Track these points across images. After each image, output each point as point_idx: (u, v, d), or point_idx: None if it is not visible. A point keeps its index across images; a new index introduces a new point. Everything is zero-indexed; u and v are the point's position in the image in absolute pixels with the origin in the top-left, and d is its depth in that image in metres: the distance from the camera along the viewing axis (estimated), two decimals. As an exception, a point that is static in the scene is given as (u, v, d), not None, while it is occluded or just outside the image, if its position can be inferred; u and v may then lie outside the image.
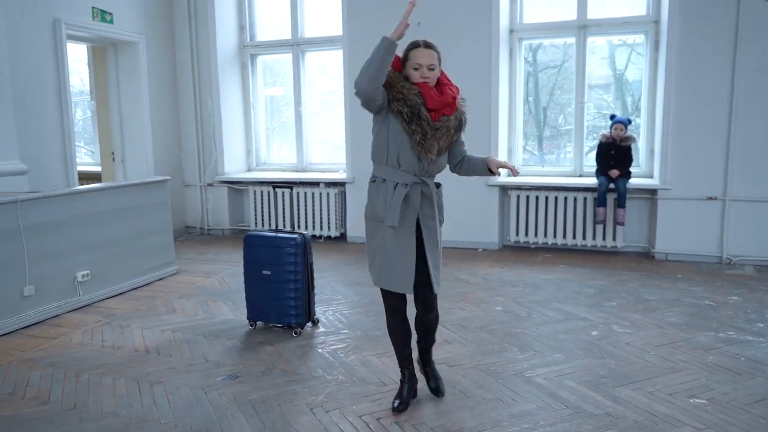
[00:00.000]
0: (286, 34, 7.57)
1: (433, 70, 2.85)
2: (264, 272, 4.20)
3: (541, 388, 3.34)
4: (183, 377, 3.56)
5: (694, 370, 3.54)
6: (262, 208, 7.52)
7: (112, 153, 7.26)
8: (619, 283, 5.32)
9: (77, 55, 8.25)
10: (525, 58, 6.89)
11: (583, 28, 6.48)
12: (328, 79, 7.76)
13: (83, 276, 4.89)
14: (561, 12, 6.65)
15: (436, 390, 3.24)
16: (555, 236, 6.57)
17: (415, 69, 2.83)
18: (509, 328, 4.27)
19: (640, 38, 6.51)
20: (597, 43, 6.71)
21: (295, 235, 4.19)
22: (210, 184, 7.74)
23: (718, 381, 3.39)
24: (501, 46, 6.51)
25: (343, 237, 7.34)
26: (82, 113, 9.07)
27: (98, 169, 7.59)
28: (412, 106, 2.80)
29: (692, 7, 5.76)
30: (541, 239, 6.62)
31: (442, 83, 2.93)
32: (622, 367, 3.59)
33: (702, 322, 4.33)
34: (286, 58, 7.68)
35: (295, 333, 4.19)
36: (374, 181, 3.01)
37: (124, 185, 5.51)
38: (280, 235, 4.21)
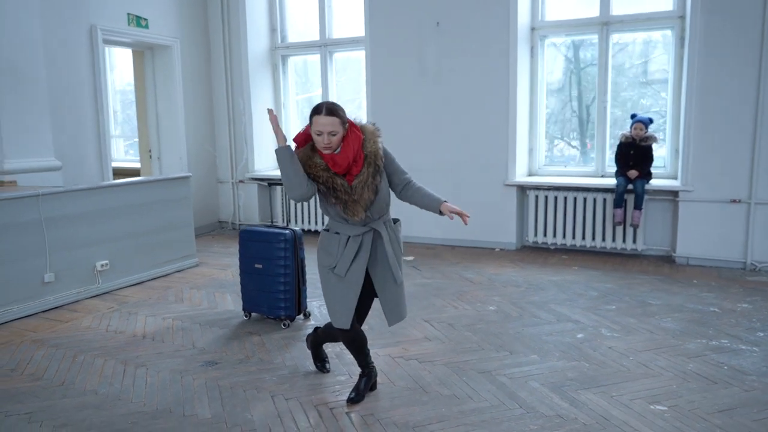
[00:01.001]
0: (316, 35, 7.76)
1: (334, 135, 2.87)
2: (256, 266, 4.38)
3: (502, 387, 3.35)
4: (167, 361, 3.79)
5: (669, 377, 3.46)
6: (289, 204, 7.75)
7: (150, 150, 7.67)
8: (627, 287, 5.19)
9: (128, 58, 8.75)
10: (565, 56, 6.75)
11: (605, 24, 6.33)
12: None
13: (102, 265, 5.24)
14: (584, 9, 6.52)
15: (352, 397, 3.26)
16: (574, 237, 6.46)
17: (318, 135, 2.89)
18: (495, 328, 4.27)
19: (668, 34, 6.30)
20: (654, 37, 6.44)
21: (287, 231, 4.35)
22: (241, 181, 8.05)
23: (689, 389, 3.30)
24: (520, 44, 6.46)
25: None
26: (122, 113, 9.62)
27: (138, 165, 8.03)
28: (325, 182, 2.94)
29: (716, 1, 5.53)
30: (560, 240, 6.53)
31: (345, 139, 2.93)
32: (593, 371, 3.55)
33: (698, 329, 4.19)
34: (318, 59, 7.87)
35: (284, 325, 4.36)
36: (327, 231, 3.14)
37: (144, 181, 5.85)
38: (271, 230, 4.38)
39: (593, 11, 6.41)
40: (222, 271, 5.97)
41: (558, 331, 4.20)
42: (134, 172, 7.86)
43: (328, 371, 3.58)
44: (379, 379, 3.44)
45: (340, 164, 2.92)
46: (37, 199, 4.75)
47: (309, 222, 7.69)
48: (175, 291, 5.31)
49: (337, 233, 3.07)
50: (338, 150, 2.93)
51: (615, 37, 6.42)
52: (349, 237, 3.03)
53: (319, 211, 7.53)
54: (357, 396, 3.20)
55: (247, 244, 4.44)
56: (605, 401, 3.17)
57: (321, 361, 3.62)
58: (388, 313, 3.13)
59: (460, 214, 3.00)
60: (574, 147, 7.02)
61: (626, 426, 2.92)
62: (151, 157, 7.67)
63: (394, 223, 3.21)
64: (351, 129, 2.96)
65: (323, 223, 7.54)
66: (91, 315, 4.72)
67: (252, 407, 3.17)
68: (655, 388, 3.32)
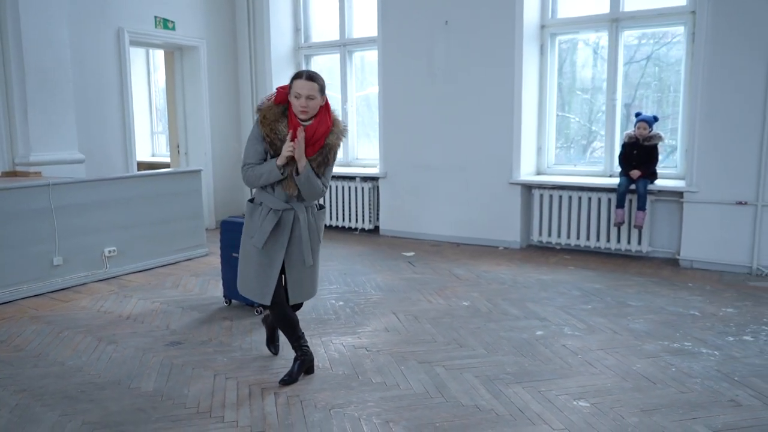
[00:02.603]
0: (337, 35, 7.95)
1: (312, 99, 3.04)
2: (234, 255, 4.61)
3: (434, 377, 3.42)
4: (137, 340, 4.07)
5: (608, 375, 3.41)
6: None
7: (178, 146, 8.10)
8: (615, 288, 5.09)
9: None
10: (599, 55, 6.64)
11: (615, 21, 6.19)
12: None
13: (110, 252, 5.63)
14: (595, 5, 6.39)
15: (285, 379, 3.38)
16: (579, 237, 6.36)
17: (296, 98, 3.04)
18: (458, 322, 4.32)
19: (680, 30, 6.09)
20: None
21: (262, 222, 4.55)
22: (263, 177, 8.34)
23: (623, 388, 3.26)
24: (530, 42, 6.41)
25: (376, 230, 7.59)
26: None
27: (168, 160, 8.50)
28: (276, 149, 3.10)
29: (725, -4, 5.33)
30: (564, 240, 6.44)
31: (318, 115, 3.11)
32: (534, 367, 3.55)
33: (666, 331, 4.08)
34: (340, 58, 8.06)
35: (257, 312, 4.56)
36: (251, 201, 3.30)
37: (154, 174, 6.22)
38: (248, 221, 4.59)
39: (603, 8, 6.29)
40: (226, 260, 6.26)
41: (519, 327, 4.20)
42: (164, 167, 8.32)
43: (276, 354, 3.75)
44: (320, 365, 3.58)
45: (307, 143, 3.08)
46: (48, 189, 5.17)
47: (345, 219, 7.89)
48: (174, 278, 5.64)
49: (260, 204, 3.23)
50: (310, 122, 3.09)
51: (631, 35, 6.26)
52: (270, 210, 3.17)
53: (333, 207, 7.73)
54: (289, 379, 3.35)
55: (227, 235, 4.68)
56: (530, 395, 3.18)
57: (273, 344, 3.79)
58: (290, 291, 3.28)
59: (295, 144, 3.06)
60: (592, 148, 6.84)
61: (537, 419, 2.94)
62: (179, 152, 8.10)
63: (319, 209, 3.34)
64: (326, 108, 3.14)
65: (358, 219, 7.73)
66: (91, 297, 5.10)
67: (191, 384, 3.38)
68: (588, 385, 3.29)
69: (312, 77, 3.07)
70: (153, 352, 3.86)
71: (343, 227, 7.76)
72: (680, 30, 6.04)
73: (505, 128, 6.53)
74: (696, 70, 5.52)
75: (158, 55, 9.93)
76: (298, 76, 3.08)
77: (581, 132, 6.86)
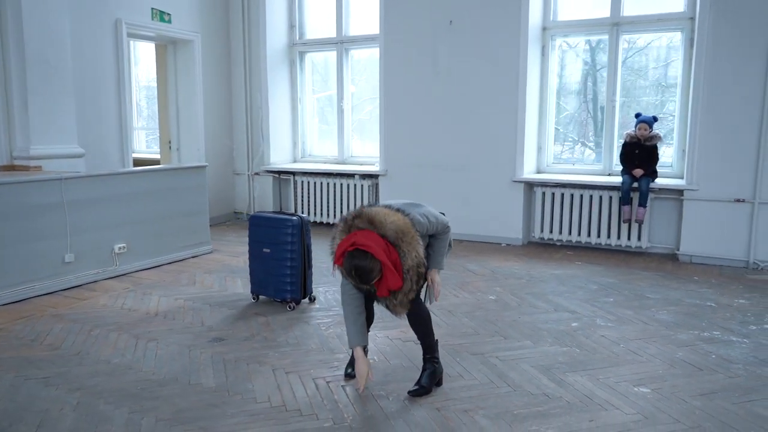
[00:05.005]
0: (333, 32, 7.94)
1: (376, 280, 2.92)
2: (264, 250, 4.57)
3: (493, 368, 3.49)
4: (176, 337, 3.99)
5: (657, 363, 3.57)
6: (302, 197, 7.95)
7: (169, 142, 7.92)
8: (628, 282, 5.29)
9: (152, 53, 9.02)
10: (582, 59, 6.86)
11: (616, 25, 6.42)
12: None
13: (120, 248, 5.47)
14: (596, 9, 6.62)
15: (415, 390, 3.17)
16: (580, 234, 6.56)
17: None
18: (492, 315, 4.41)
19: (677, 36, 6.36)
20: (676, 41, 6.48)
21: (294, 217, 4.53)
22: (257, 174, 8.26)
23: (674, 374, 3.41)
24: (532, 44, 6.57)
25: (375, 227, 7.61)
26: (147, 107, 9.90)
27: (158, 156, 8.29)
28: (365, 291, 3.10)
29: (725, 2, 5.60)
30: (566, 237, 6.63)
31: (385, 280, 2.91)
32: (584, 356, 3.67)
33: (692, 321, 4.28)
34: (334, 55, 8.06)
35: (290, 307, 4.54)
36: None
37: (163, 169, 6.10)
38: (279, 216, 4.56)
39: (604, 12, 6.51)
40: (234, 258, 6.18)
41: (554, 319, 4.32)
42: (154, 163, 8.11)
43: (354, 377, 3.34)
44: (375, 357, 3.61)
45: (381, 293, 2.98)
46: (60, 183, 5.00)
47: (321, 215, 7.87)
48: (188, 275, 5.53)
49: None
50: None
51: (628, 40, 6.50)
52: None
53: (330, 204, 7.75)
54: (353, 371, 3.35)
55: (256, 230, 4.63)
56: (591, 383, 3.29)
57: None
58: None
59: (435, 289, 3.17)
60: (589, 148, 7.07)
61: (607, 405, 3.05)
62: (170, 148, 7.92)
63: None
64: (386, 273, 2.88)
65: (334, 216, 7.72)
66: (108, 294, 4.95)
67: (253, 378, 3.35)
68: (641, 372, 3.43)
69: (363, 280, 2.88)
70: (198, 348, 3.79)
71: (341, 224, 7.75)
72: (678, 36, 6.32)
73: (508, 127, 6.67)
74: (697, 73, 5.79)
75: (141, 49, 9.68)
76: (348, 275, 2.92)
77: (580, 132, 7.08)
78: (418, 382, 3.19)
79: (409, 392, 3.15)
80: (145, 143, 10.16)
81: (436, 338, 3.28)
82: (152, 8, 7.08)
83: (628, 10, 6.42)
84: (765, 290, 5.05)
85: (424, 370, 3.23)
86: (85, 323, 4.25)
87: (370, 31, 7.64)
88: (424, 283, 3.13)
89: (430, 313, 3.28)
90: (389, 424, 2.87)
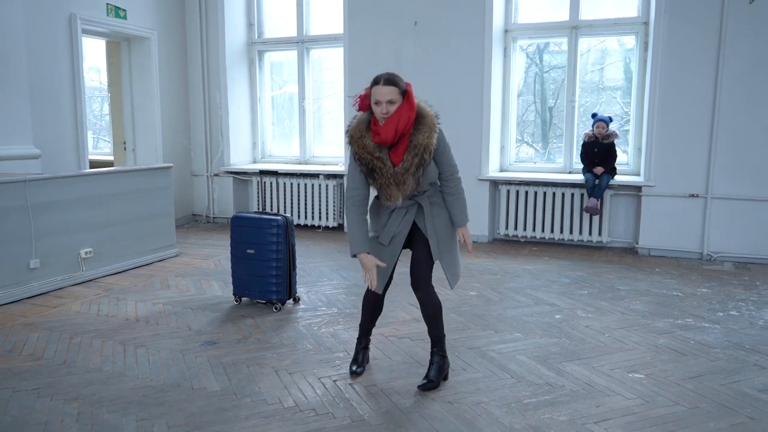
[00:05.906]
0: (293, 32, 7.88)
1: (393, 104, 2.95)
2: (248, 251, 4.50)
3: (492, 360, 3.58)
4: (165, 342, 3.88)
5: (642, 350, 3.75)
6: (265, 198, 7.84)
7: (124, 142, 7.64)
8: (596, 275, 5.51)
9: (99, 52, 8.67)
10: (531, 59, 7.07)
11: (575, 28, 6.67)
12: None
13: (86, 253, 5.25)
14: (555, 12, 6.85)
15: (424, 384, 3.20)
16: (543, 230, 6.78)
17: (377, 104, 2.95)
18: (478, 310, 4.51)
19: (631, 40, 6.68)
20: (611, 45, 6.79)
21: (278, 217, 4.48)
22: (216, 174, 8.09)
23: (661, 360, 3.60)
24: (494, 46, 6.74)
25: (340, 227, 7.62)
26: (99, 107, 9.51)
27: (112, 158, 7.98)
28: (367, 163, 3.03)
29: (678, 8, 5.92)
30: (530, 233, 6.83)
31: (396, 112, 2.97)
32: (574, 346, 3.81)
33: (665, 310, 4.52)
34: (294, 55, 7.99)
35: (276, 308, 4.48)
36: (378, 198, 3.19)
37: (128, 170, 5.88)
38: (264, 216, 4.50)
39: (563, 15, 6.75)
40: (204, 260, 6.04)
41: (537, 312, 4.46)
42: (108, 164, 7.81)
43: (359, 374, 3.40)
44: (376, 355, 3.62)
45: (381, 136, 2.97)
46: (24, 185, 4.75)
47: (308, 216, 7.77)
48: (160, 279, 5.37)
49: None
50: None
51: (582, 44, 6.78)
52: (395, 208, 3.13)
53: (294, 205, 7.68)
54: (359, 368, 3.37)
55: (239, 230, 4.55)
56: (588, 371, 3.43)
57: (357, 362, 3.45)
58: (446, 271, 3.28)
59: (466, 243, 3.27)
60: (535, 148, 7.32)
61: (608, 391, 3.19)
62: (125, 148, 7.64)
63: (436, 193, 3.26)
64: (405, 102, 2.99)
65: (321, 217, 7.65)
66: (79, 301, 4.74)
67: (258, 381, 3.30)
68: (631, 359, 3.60)
69: (390, 81, 2.95)
70: (192, 352, 3.70)
71: (306, 225, 7.70)
72: (632, 39, 6.64)
73: (474, 126, 6.81)
74: (653, 75, 6.10)
75: (86, 46, 9.27)
76: (375, 81, 2.96)
77: (541, 131, 7.31)
78: (426, 377, 3.23)
79: (418, 387, 3.19)
80: (91, 143, 9.73)
81: (444, 332, 3.33)
82: (107, 3, 6.82)
83: (585, 14, 6.68)
84: (721, 279, 5.37)
85: (431, 363, 3.27)
86: (63, 331, 4.06)
87: (332, 30, 7.63)
88: (423, 170, 3.08)
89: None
90: (406, 418, 2.90)
